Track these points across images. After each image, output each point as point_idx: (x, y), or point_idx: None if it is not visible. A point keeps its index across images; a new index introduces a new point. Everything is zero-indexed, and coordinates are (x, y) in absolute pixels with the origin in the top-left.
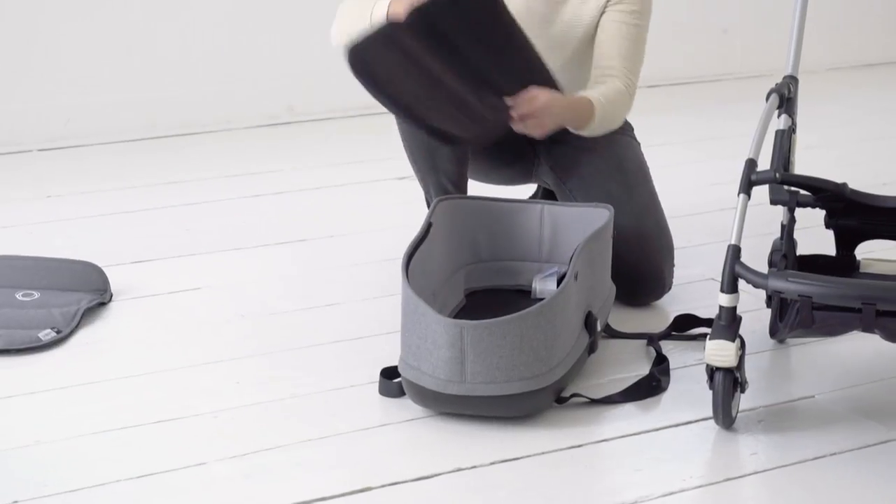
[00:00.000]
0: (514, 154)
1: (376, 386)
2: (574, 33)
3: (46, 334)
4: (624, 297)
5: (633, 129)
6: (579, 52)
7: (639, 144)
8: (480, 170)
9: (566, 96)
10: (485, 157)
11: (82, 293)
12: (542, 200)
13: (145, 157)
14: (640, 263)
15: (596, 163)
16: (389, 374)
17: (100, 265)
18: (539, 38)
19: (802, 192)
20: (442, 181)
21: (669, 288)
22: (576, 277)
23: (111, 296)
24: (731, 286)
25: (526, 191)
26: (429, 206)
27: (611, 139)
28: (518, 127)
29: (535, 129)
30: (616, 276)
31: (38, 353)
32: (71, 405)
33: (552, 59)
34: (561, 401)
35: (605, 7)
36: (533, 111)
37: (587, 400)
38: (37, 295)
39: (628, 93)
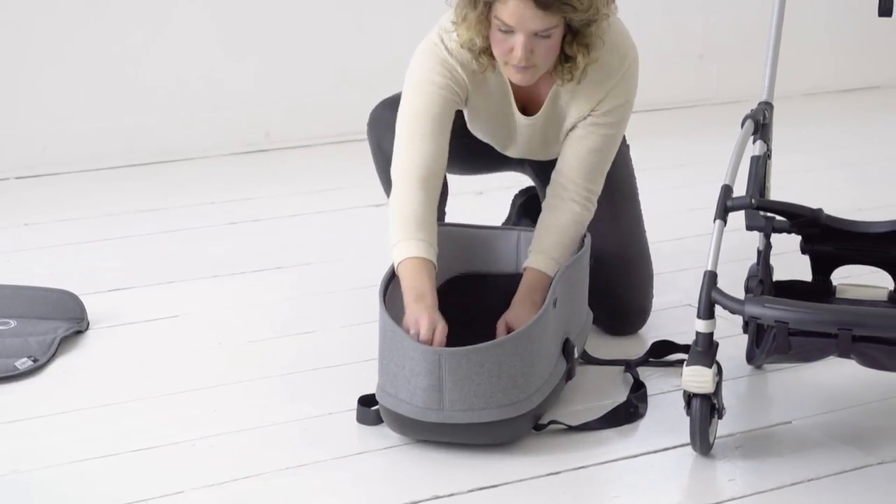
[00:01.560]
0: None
1: (354, 414)
2: (559, 140)
3: (23, 363)
4: (606, 327)
5: (623, 137)
6: None
7: (628, 148)
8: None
9: (531, 299)
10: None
11: (59, 321)
12: (519, 227)
13: (122, 185)
14: (623, 295)
15: None
16: (367, 401)
17: (77, 293)
18: (521, 149)
19: (778, 217)
20: None
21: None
22: (555, 304)
23: (88, 324)
24: (707, 312)
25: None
26: None
27: None
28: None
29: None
30: (598, 306)
31: (15, 382)
32: (48, 434)
33: (537, 158)
34: (539, 428)
35: (588, 114)
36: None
37: (565, 427)
38: (13, 323)
39: (587, 213)
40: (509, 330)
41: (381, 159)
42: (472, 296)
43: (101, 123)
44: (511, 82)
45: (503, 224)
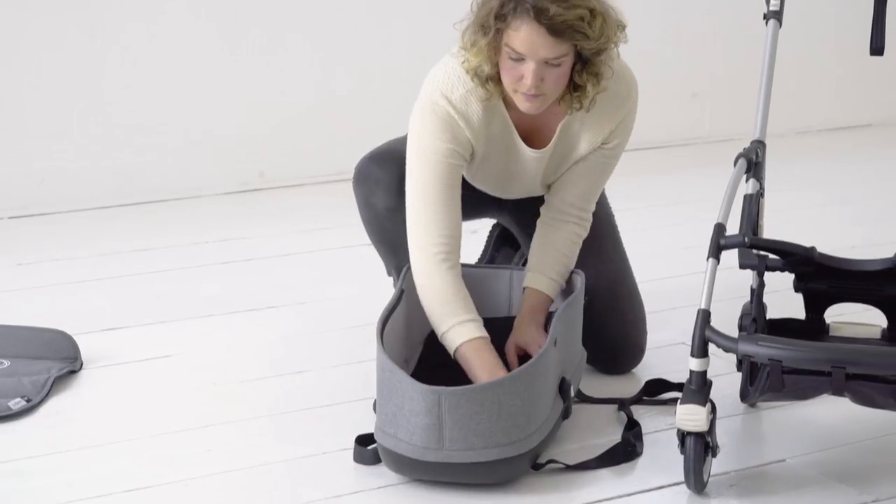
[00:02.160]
0: (478, 198)
1: (349, 453)
2: (564, 167)
3: (16, 403)
4: (603, 367)
5: None
6: None
7: (603, 192)
8: None
9: (535, 320)
10: None
11: (52, 361)
12: (512, 266)
13: (116, 224)
14: (618, 333)
15: None
16: (364, 440)
17: (70, 333)
18: (536, 177)
19: (771, 256)
20: (402, 265)
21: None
22: (555, 343)
23: (82, 364)
24: (701, 350)
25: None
26: (389, 275)
27: None
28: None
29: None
30: (594, 346)
31: (9, 422)
32: (41, 474)
33: (539, 192)
34: (537, 467)
35: (599, 146)
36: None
37: (563, 466)
38: (7, 363)
39: (584, 231)
40: (520, 350)
41: (369, 213)
42: None
43: (95, 162)
44: (512, 118)
45: (479, 258)
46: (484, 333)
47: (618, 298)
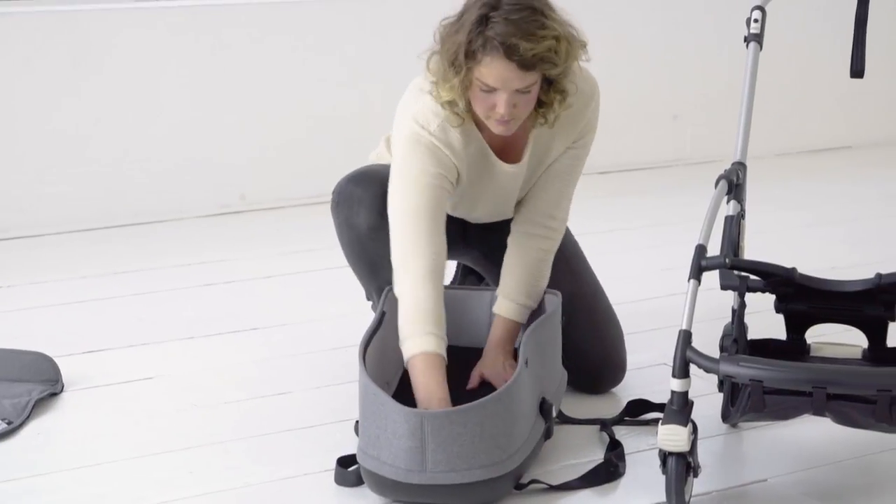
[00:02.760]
0: (460, 240)
1: (330, 474)
2: (540, 172)
3: None
4: (583, 386)
5: None
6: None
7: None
8: None
9: (503, 349)
10: None
11: (33, 384)
12: (489, 287)
13: (97, 248)
14: (598, 354)
15: None
16: (345, 462)
17: (51, 355)
18: (509, 193)
19: (752, 277)
20: (383, 287)
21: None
22: (526, 363)
23: (63, 386)
24: (682, 371)
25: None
26: (369, 299)
27: None
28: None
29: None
30: (574, 368)
31: None
32: (22, 497)
33: (512, 206)
34: (520, 487)
35: (567, 149)
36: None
37: (546, 486)
38: None
39: (555, 244)
40: (482, 379)
41: (350, 234)
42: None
43: (75, 186)
44: (484, 138)
45: (450, 282)
46: (442, 352)
47: (596, 317)
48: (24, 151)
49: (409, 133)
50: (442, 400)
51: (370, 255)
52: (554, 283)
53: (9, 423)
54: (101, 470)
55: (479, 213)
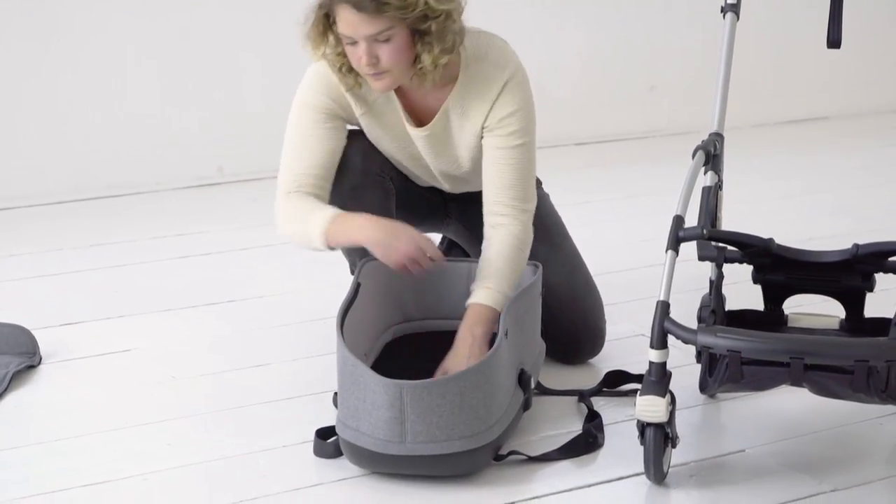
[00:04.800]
0: (425, 210)
1: (308, 446)
2: (463, 156)
3: None
4: (561, 357)
5: (540, 183)
6: (478, 162)
7: (547, 195)
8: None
9: (471, 333)
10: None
11: (11, 356)
12: (469, 259)
13: (73, 220)
14: (576, 323)
15: None
16: (324, 434)
17: (28, 328)
18: (432, 166)
19: (730, 247)
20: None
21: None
22: (506, 335)
23: (40, 359)
24: (660, 342)
25: None
26: (353, 273)
27: None
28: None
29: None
30: (553, 337)
31: None
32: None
33: (454, 174)
34: (499, 458)
35: (483, 132)
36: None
37: (525, 457)
38: None
39: (524, 230)
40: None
41: (332, 201)
42: (426, 350)
43: (50, 158)
44: (399, 99)
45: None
46: (340, 212)
47: (575, 288)
48: None
49: (314, 66)
50: (396, 224)
51: None
52: (534, 254)
53: None
54: (79, 442)
55: (423, 176)
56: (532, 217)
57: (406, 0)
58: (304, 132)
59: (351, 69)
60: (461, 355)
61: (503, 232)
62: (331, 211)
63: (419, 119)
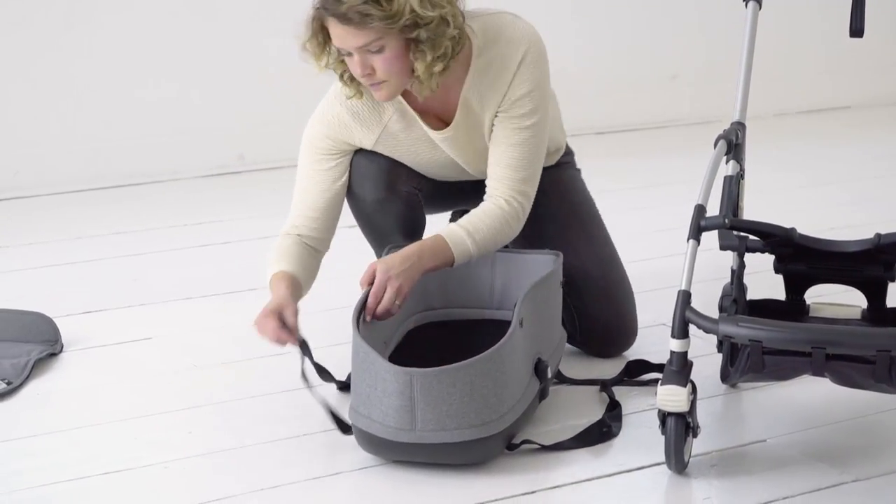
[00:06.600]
0: (460, 198)
1: (328, 435)
2: (484, 137)
3: None
4: (593, 351)
5: (573, 156)
6: None
7: (579, 171)
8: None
9: (405, 249)
10: (437, 202)
11: (33, 344)
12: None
13: (94, 209)
14: (611, 318)
15: (549, 207)
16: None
17: (50, 316)
18: (464, 164)
19: (751, 237)
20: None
21: None
22: (521, 324)
23: (62, 346)
24: (681, 331)
25: None
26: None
27: (556, 178)
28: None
29: (395, 292)
30: (585, 329)
31: None
32: (21, 457)
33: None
34: (512, 447)
35: (498, 112)
36: (371, 278)
37: (538, 446)
38: None
39: (511, 209)
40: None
41: (355, 205)
42: (447, 339)
43: (73, 146)
44: (411, 105)
45: None
46: (292, 272)
47: (611, 285)
48: (17, 113)
49: (320, 108)
50: (280, 297)
51: (376, 226)
52: (570, 246)
53: (8, 384)
54: (100, 430)
55: (453, 178)
56: (531, 201)
57: (391, 10)
58: (303, 172)
59: (354, 77)
60: (389, 261)
61: (494, 204)
62: (273, 270)
63: (439, 119)
